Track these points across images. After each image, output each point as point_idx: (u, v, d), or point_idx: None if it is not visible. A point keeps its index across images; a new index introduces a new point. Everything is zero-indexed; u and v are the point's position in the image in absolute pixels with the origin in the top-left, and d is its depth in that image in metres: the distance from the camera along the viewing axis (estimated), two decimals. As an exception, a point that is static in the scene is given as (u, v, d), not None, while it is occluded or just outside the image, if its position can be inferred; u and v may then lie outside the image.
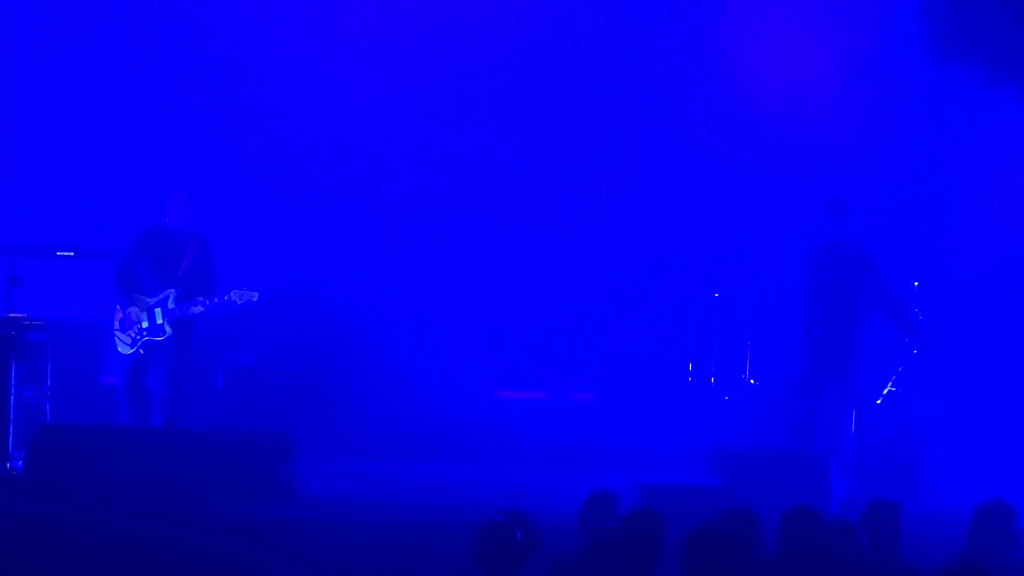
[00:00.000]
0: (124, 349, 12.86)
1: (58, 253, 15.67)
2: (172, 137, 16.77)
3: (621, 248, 17.20)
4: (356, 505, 11.89)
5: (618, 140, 17.27)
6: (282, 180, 16.92)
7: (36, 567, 10.11)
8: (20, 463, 11.77)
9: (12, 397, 12.18)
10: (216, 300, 12.71)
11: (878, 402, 14.78)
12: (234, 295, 12.72)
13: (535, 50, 17.08)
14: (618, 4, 17.09)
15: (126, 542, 10.26)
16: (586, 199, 17.28)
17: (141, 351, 12.78)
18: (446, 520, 10.86)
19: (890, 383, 15.00)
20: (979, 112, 15.82)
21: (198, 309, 12.69)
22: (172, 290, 12.74)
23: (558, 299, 17.03)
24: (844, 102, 16.25)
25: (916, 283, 15.50)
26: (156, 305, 12.76)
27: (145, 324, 12.75)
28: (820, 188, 15.60)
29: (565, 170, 17.21)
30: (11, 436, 12.06)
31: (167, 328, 12.71)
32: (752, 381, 16.05)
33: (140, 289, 12.85)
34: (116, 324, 12.89)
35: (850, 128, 16.21)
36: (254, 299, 12.76)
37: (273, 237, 16.57)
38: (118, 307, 12.90)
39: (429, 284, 16.35)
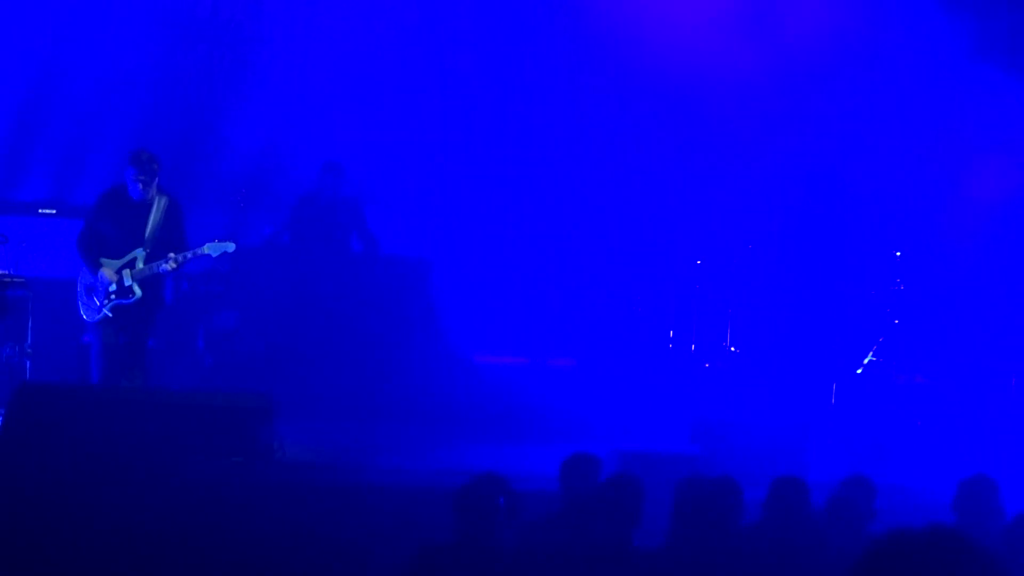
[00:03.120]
0: (90, 315, 12.46)
1: (40, 211, 15.62)
2: (154, 95, 16.71)
3: (604, 215, 17.21)
4: (336, 468, 11.88)
5: (602, 115, 17.28)
6: (264, 139, 16.89)
7: (13, 524, 10.10)
8: (-1, 420, 11.74)
9: (-8, 354, 12.16)
10: (189, 256, 12.25)
11: (858, 372, 14.82)
12: (208, 248, 12.21)
13: (526, 47, 17.12)
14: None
15: (103, 501, 10.24)
16: (570, 169, 17.29)
17: (109, 314, 12.37)
18: (425, 483, 10.86)
19: (871, 353, 15.02)
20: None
21: (170, 266, 12.18)
22: (140, 251, 12.33)
23: (541, 265, 17.05)
24: (827, 82, 16.29)
25: (898, 253, 15.54)
26: (125, 267, 12.36)
27: (113, 288, 12.33)
28: (802, 163, 15.64)
29: (547, 144, 17.24)
30: (-10, 393, 12.06)
31: (136, 290, 12.32)
32: (733, 349, 16.08)
33: (106, 253, 12.40)
34: (80, 288, 12.50)
35: (833, 105, 16.25)
36: (230, 250, 12.24)
37: (254, 196, 16.54)
38: (85, 272, 12.47)
39: (411, 248, 16.33)
